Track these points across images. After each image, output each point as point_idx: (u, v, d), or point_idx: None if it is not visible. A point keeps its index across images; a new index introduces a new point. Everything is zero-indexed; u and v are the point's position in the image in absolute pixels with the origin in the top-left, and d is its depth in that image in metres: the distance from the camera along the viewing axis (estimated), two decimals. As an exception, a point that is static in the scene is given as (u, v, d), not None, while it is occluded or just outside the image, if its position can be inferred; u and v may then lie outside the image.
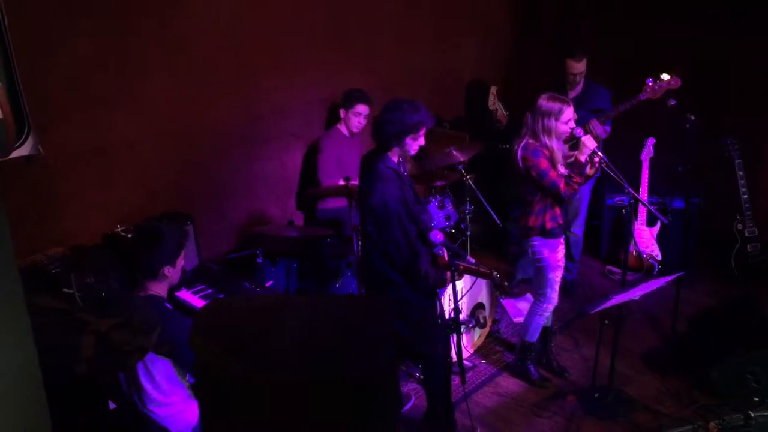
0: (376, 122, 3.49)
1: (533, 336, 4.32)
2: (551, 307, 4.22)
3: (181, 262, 3.13)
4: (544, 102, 3.88)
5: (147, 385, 3.04)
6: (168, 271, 3.06)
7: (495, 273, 3.81)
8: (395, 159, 3.53)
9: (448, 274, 3.49)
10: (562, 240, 4.10)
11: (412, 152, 3.54)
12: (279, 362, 1.80)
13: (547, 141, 3.89)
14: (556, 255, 4.08)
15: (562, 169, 3.93)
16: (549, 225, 4.01)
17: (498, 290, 3.63)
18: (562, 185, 3.87)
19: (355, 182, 4.46)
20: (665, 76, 4.53)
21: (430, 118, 3.48)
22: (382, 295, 3.62)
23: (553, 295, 4.17)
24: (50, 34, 3.70)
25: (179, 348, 2.92)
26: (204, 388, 2.00)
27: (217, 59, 4.52)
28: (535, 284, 4.27)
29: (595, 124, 4.74)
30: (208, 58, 4.46)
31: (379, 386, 1.81)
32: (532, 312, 4.27)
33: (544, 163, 3.88)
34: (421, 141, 3.50)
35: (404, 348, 3.70)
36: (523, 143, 3.96)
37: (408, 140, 3.44)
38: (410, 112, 3.40)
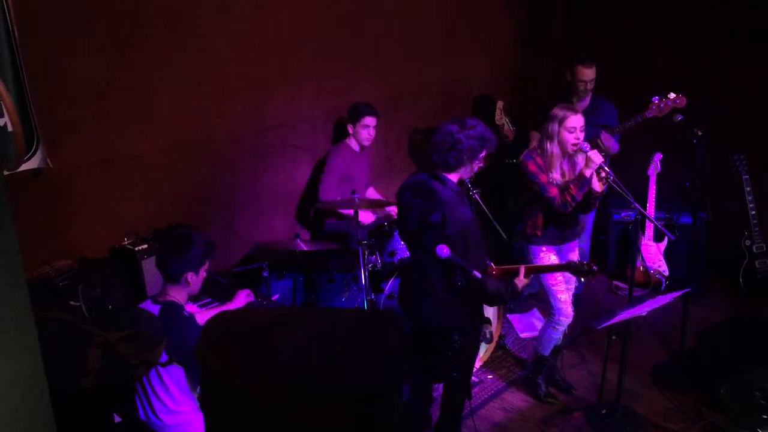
0: (451, 137, 3.28)
1: (545, 349, 4.29)
2: (564, 320, 4.14)
3: (203, 273, 3.17)
4: (553, 109, 3.96)
5: (160, 392, 3.06)
6: (191, 277, 3.10)
7: (572, 262, 3.46)
8: (456, 180, 3.38)
9: (516, 282, 3.35)
10: (544, 248, 4.10)
11: (471, 174, 3.42)
12: (284, 375, 1.80)
13: (548, 146, 3.93)
14: (540, 262, 4.09)
15: (557, 177, 3.94)
16: (528, 231, 4.10)
17: (588, 276, 3.28)
18: (554, 191, 3.90)
19: (360, 196, 4.46)
20: (671, 95, 4.54)
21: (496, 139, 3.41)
22: (432, 318, 3.45)
23: (560, 306, 4.11)
24: (59, 48, 3.72)
25: (190, 356, 2.93)
26: (210, 399, 2.00)
27: (224, 73, 4.54)
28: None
29: (606, 137, 4.74)
30: (216, 72, 4.49)
31: (385, 399, 1.81)
32: (545, 324, 4.26)
33: (532, 167, 3.95)
34: (481, 163, 3.41)
35: (440, 369, 3.59)
36: (526, 150, 4.09)
37: (481, 157, 3.34)
38: (485, 128, 3.33)
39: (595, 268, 3.32)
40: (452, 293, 3.32)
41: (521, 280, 3.38)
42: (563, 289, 4.12)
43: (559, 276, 4.09)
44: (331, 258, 4.77)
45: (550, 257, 4.10)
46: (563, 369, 4.52)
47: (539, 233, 4.07)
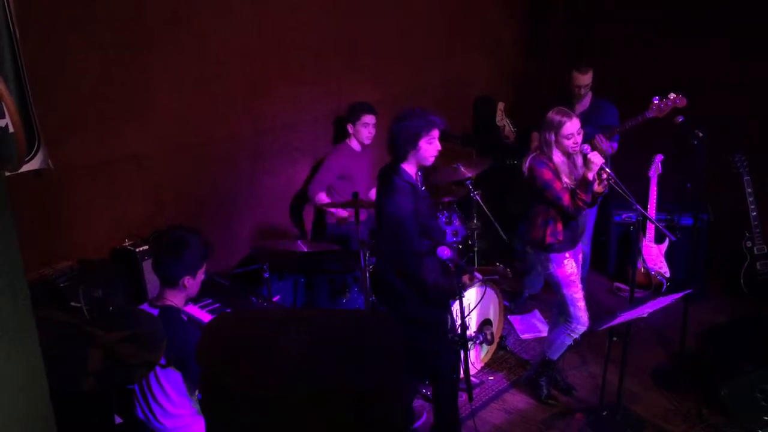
0: (390, 131, 3.49)
1: (555, 354, 4.28)
2: (581, 328, 4.12)
3: (201, 275, 3.12)
4: (549, 115, 3.94)
5: (159, 395, 3.04)
6: (188, 281, 3.06)
7: (499, 264, 3.73)
8: (411, 171, 3.51)
9: (464, 279, 3.52)
10: (568, 255, 4.06)
11: (429, 159, 3.49)
12: (285, 376, 1.80)
13: (550, 154, 3.92)
14: (563, 270, 4.05)
15: (566, 180, 3.93)
16: (549, 240, 4.01)
17: (505, 283, 3.60)
18: (566, 198, 3.88)
19: (363, 197, 4.47)
20: (672, 95, 4.54)
21: (441, 120, 3.46)
22: (394, 308, 3.61)
23: (579, 314, 4.08)
24: (61, 49, 3.73)
25: (188, 360, 2.92)
26: (210, 402, 1.99)
27: (225, 74, 4.54)
28: (559, 303, 4.21)
29: (600, 139, 4.75)
30: (217, 72, 4.49)
31: (385, 400, 1.80)
32: (559, 330, 4.21)
33: (547, 174, 3.91)
34: (437, 145, 3.46)
35: (416, 363, 3.66)
36: (532, 155, 4.03)
37: (422, 144, 3.42)
38: (419, 115, 3.43)
39: (509, 272, 3.92)
40: (399, 277, 3.50)
41: (464, 280, 3.67)
42: (581, 297, 4.11)
43: (579, 284, 4.09)
44: (332, 259, 4.78)
45: (572, 264, 4.07)
46: (564, 371, 4.52)
47: (561, 239, 4.01)
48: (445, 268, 3.53)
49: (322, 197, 4.92)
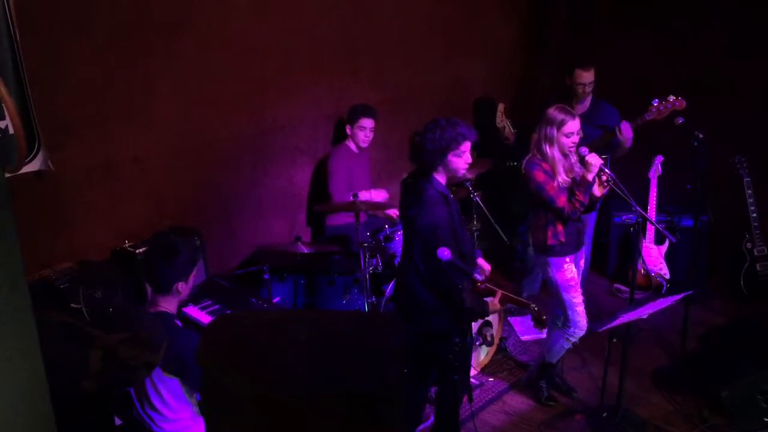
0: (415, 143, 3.40)
1: (553, 358, 4.28)
2: (579, 332, 4.09)
3: (193, 279, 3.12)
4: (550, 111, 3.90)
5: (156, 401, 3.03)
6: (181, 286, 3.06)
7: (534, 306, 3.51)
8: (443, 181, 3.41)
9: (488, 302, 3.39)
10: (568, 259, 4.03)
11: (461, 171, 3.40)
12: (286, 378, 1.80)
13: (548, 150, 3.89)
14: (563, 274, 4.02)
15: (563, 178, 3.89)
16: (550, 242, 3.97)
17: (537, 324, 3.41)
18: (563, 200, 3.86)
19: (361, 198, 4.47)
20: (671, 98, 4.53)
21: (471, 132, 3.35)
22: (416, 320, 3.47)
23: (577, 318, 4.05)
24: (61, 50, 3.72)
25: (187, 365, 2.91)
26: (210, 404, 1.99)
27: (224, 76, 4.54)
28: (556, 306, 4.18)
29: (625, 126, 4.62)
30: (216, 75, 4.49)
31: (386, 402, 1.80)
32: (557, 334, 4.18)
33: (540, 176, 3.88)
34: (467, 158, 3.36)
35: (444, 373, 3.59)
36: (528, 156, 4.01)
37: (450, 157, 3.31)
38: (448, 128, 3.30)
39: (544, 317, 3.47)
40: (431, 292, 3.37)
41: (495, 304, 3.44)
42: (581, 302, 4.07)
43: (578, 288, 4.06)
44: (332, 260, 4.77)
45: (572, 269, 4.03)
46: (564, 372, 4.52)
47: (563, 240, 3.95)
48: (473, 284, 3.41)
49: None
